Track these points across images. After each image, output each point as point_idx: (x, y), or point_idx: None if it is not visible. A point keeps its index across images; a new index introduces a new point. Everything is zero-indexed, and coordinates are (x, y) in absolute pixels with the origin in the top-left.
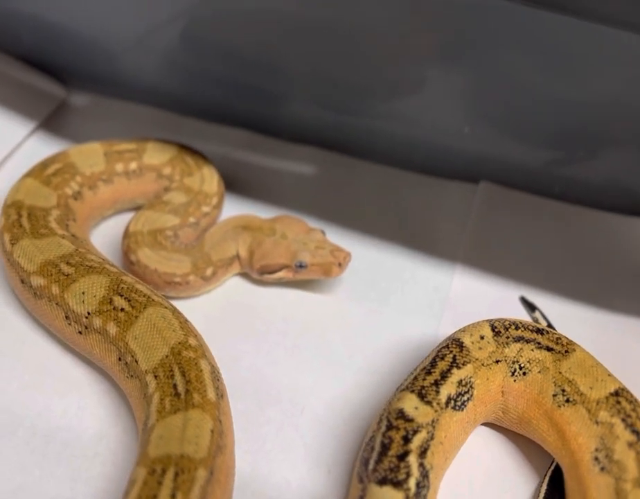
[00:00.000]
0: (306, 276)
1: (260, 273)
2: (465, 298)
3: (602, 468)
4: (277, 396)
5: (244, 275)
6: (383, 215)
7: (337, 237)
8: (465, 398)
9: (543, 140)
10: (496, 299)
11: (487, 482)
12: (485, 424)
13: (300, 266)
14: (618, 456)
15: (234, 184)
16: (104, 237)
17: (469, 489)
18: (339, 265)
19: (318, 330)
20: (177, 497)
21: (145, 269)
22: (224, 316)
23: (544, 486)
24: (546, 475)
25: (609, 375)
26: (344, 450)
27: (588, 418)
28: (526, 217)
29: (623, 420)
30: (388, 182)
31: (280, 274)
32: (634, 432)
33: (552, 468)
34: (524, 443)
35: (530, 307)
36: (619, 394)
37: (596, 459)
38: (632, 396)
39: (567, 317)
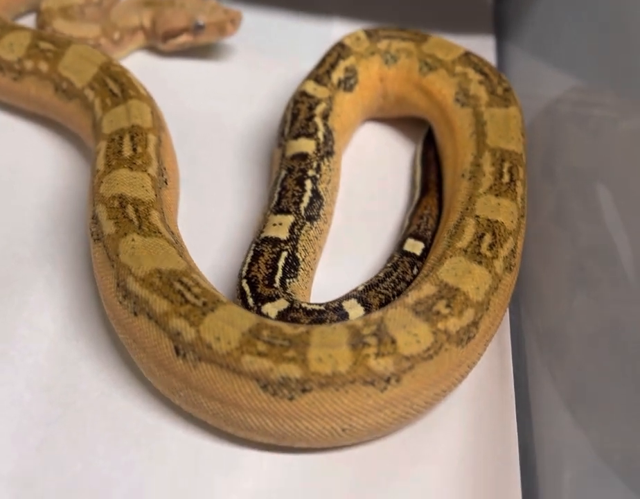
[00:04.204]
0: (205, 38)
1: (164, 39)
2: None
3: (463, 104)
4: (200, 120)
5: (152, 51)
6: None
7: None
8: (352, 81)
9: None
10: None
11: (378, 162)
12: (371, 120)
13: (198, 26)
14: (473, 92)
15: None
16: None
17: (365, 181)
18: (232, 22)
19: (224, 78)
20: (138, 150)
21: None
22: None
23: (420, 146)
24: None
25: (459, 46)
26: (264, 155)
27: (447, 75)
28: None
29: (474, 68)
30: None
31: (182, 39)
32: (483, 73)
33: (425, 133)
34: (404, 127)
35: None
36: (468, 53)
37: (457, 100)
38: (478, 55)
39: None
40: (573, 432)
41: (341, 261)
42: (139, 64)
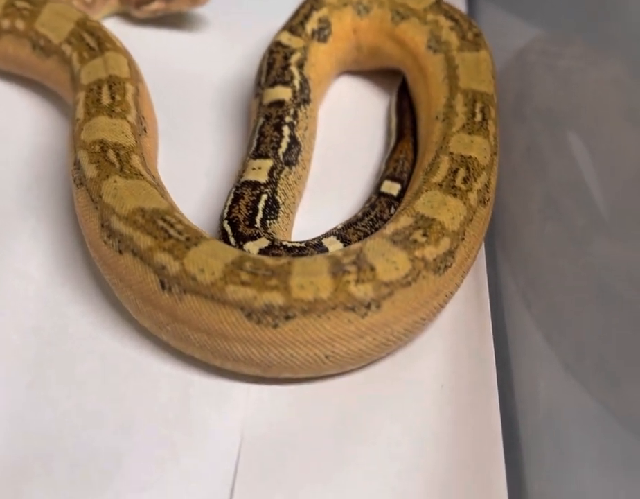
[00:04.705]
0: (177, 5)
1: (137, 6)
2: None
3: (435, 51)
4: (177, 79)
5: (125, 18)
6: None
7: None
8: (326, 32)
9: None
10: None
11: (354, 114)
12: (347, 74)
13: None
14: (444, 38)
15: None
16: None
17: (342, 132)
18: None
19: (198, 41)
20: (116, 98)
21: None
22: None
23: (395, 96)
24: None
25: None
26: (241, 110)
27: (419, 23)
28: None
29: (444, 15)
30: None
31: (155, 5)
32: (453, 20)
33: (400, 83)
34: (379, 79)
35: None
36: (439, 1)
37: (429, 46)
38: (448, 3)
39: None
40: (546, 349)
41: (320, 207)
42: (112, 30)
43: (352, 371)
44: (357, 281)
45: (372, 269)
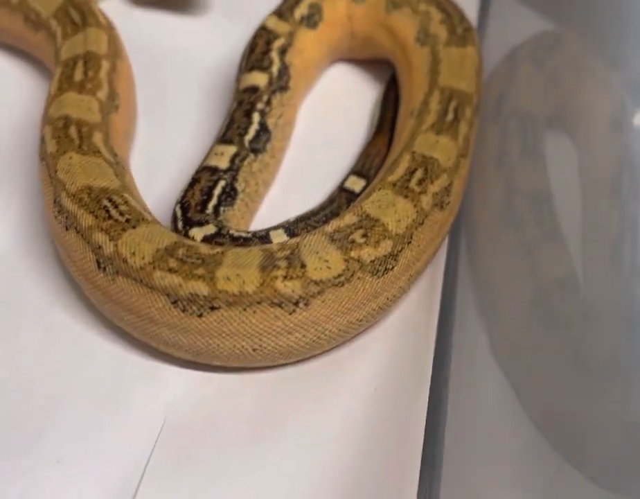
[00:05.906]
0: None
1: None
2: None
3: (422, 43)
4: (170, 57)
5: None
6: None
7: None
8: (316, 18)
9: None
10: None
11: (344, 104)
12: (339, 63)
13: None
14: (433, 31)
15: None
16: None
17: (328, 122)
18: None
19: (198, 23)
20: (89, 74)
21: None
22: None
23: (384, 88)
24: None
25: None
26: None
27: (411, 13)
28: None
29: (437, 6)
30: None
31: None
32: (445, 12)
33: (391, 74)
34: (374, 68)
35: None
36: None
37: (418, 39)
38: None
39: None
40: (481, 347)
41: (290, 197)
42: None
43: (285, 365)
44: (285, 277)
45: (303, 266)
